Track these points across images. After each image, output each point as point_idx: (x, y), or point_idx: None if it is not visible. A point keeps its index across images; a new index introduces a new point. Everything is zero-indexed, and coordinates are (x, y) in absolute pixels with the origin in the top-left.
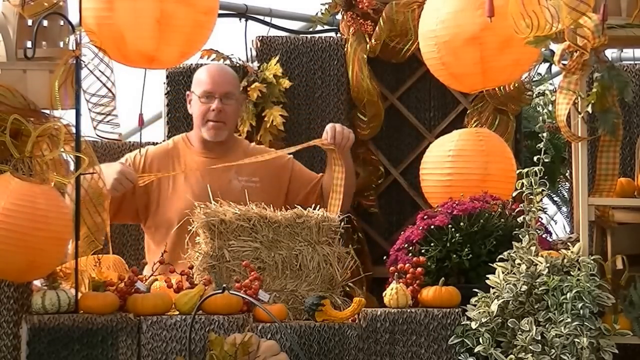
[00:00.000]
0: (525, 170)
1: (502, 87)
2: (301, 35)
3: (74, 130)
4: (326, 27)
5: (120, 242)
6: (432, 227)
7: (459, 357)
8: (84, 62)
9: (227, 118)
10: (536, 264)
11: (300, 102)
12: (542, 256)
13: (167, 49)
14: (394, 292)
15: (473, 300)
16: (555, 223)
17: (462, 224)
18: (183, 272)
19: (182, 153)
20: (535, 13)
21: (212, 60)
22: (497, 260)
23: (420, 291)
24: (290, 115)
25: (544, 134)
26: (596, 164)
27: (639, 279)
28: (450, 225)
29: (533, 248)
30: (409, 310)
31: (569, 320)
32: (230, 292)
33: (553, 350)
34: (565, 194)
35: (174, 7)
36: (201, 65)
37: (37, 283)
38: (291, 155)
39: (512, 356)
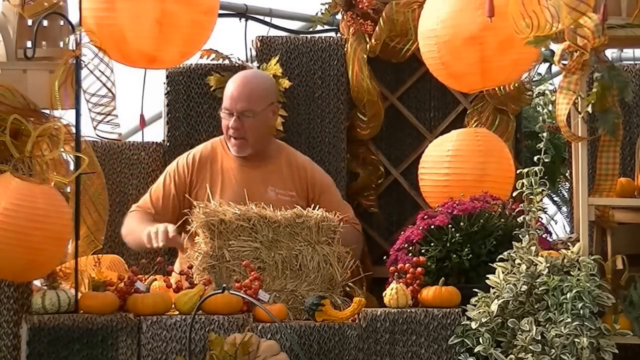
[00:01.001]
0: (525, 170)
1: (502, 87)
2: (301, 35)
3: (74, 130)
4: (326, 27)
5: (120, 242)
6: (432, 227)
7: (459, 357)
8: (84, 62)
9: (246, 134)
10: (536, 264)
11: (300, 102)
12: (542, 256)
13: (167, 49)
14: (394, 292)
15: (473, 300)
16: (555, 223)
17: (462, 224)
18: (183, 272)
19: (219, 157)
20: (535, 13)
21: (212, 60)
22: (497, 260)
23: (420, 291)
24: (290, 115)
25: (544, 134)
26: (596, 164)
27: (639, 279)
28: (450, 225)
29: (533, 248)
30: (409, 310)
31: (569, 320)
32: (230, 292)
33: (553, 350)
34: (565, 194)
35: (174, 7)
36: (201, 65)
37: (37, 283)
38: (330, 183)
39: (512, 356)
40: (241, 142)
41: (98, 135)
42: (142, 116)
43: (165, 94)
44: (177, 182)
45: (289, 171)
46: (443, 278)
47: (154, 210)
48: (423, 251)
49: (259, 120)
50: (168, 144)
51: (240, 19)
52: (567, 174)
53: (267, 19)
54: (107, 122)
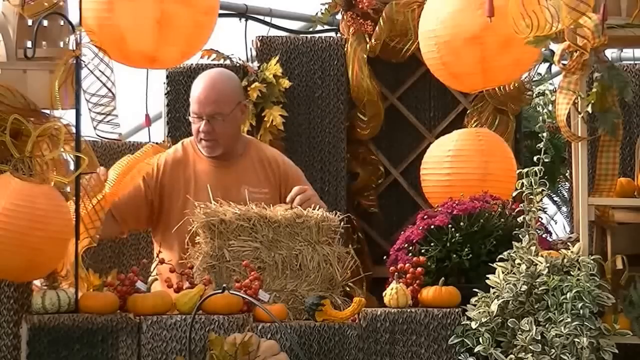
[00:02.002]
0: (525, 170)
1: (502, 87)
2: (301, 35)
3: (74, 130)
4: (326, 27)
5: (120, 242)
6: (432, 227)
7: (459, 357)
8: (84, 62)
9: (217, 136)
10: (536, 264)
11: (300, 102)
12: (542, 256)
13: (167, 49)
14: (394, 292)
15: (473, 300)
16: (555, 223)
17: (462, 223)
18: (183, 272)
19: (191, 159)
20: (535, 13)
21: (212, 60)
22: (497, 260)
23: (420, 291)
24: (290, 115)
25: (544, 134)
26: (596, 164)
27: (639, 279)
28: (450, 225)
29: (533, 248)
30: (409, 310)
31: (569, 320)
32: (230, 292)
33: (553, 350)
34: (565, 194)
35: (174, 7)
36: (201, 65)
37: (37, 283)
38: (301, 175)
39: (512, 356)
40: (212, 143)
41: (98, 135)
42: (147, 115)
43: (166, 94)
44: (145, 180)
45: (262, 167)
46: (443, 278)
47: (117, 198)
48: (423, 251)
49: (229, 122)
50: (168, 145)
51: (240, 19)
52: (567, 174)
53: (267, 19)
54: (107, 122)
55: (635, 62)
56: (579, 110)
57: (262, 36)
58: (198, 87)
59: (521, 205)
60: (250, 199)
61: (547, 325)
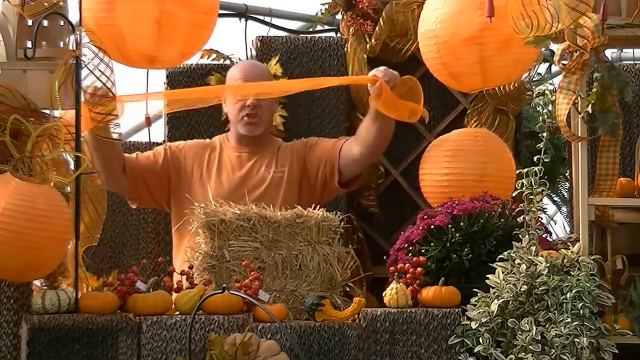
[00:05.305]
0: (525, 170)
1: (502, 87)
2: (301, 35)
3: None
4: (326, 27)
5: (120, 242)
6: (432, 227)
7: (459, 357)
8: (84, 62)
9: (262, 112)
10: (536, 264)
11: (300, 102)
12: (542, 256)
13: (167, 49)
14: (394, 292)
15: (473, 300)
16: (555, 223)
17: (462, 223)
18: (183, 272)
19: (219, 148)
20: (535, 13)
21: (212, 60)
22: (497, 260)
23: (420, 291)
24: (290, 115)
25: (544, 134)
26: (596, 164)
27: (639, 279)
28: (450, 225)
29: (533, 248)
30: (409, 310)
31: (569, 320)
32: (230, 292)
33: (553, 350)
34: (565, 194)
35: (174, 7)
36: (201, 65)
37: (37, 283)
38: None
39: (512, 356)
40: (256, 120)
41: (98, 135)
42: (147, 116)
43: None
44: (167, 151)
45: (284, 151)
46: (443, 278)
47: (135, 155)
48: (423, 251)
49: (271, 101)
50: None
51: (240, 19)
52: (567, 174)
53: (267, 19)
54: (107, 122)
55: (635, 62)
56: (579, 110)
57: (262, 36)
58: (238, 67)
59: (521, 205)
60: (269, 177)
61: (547, 325)
